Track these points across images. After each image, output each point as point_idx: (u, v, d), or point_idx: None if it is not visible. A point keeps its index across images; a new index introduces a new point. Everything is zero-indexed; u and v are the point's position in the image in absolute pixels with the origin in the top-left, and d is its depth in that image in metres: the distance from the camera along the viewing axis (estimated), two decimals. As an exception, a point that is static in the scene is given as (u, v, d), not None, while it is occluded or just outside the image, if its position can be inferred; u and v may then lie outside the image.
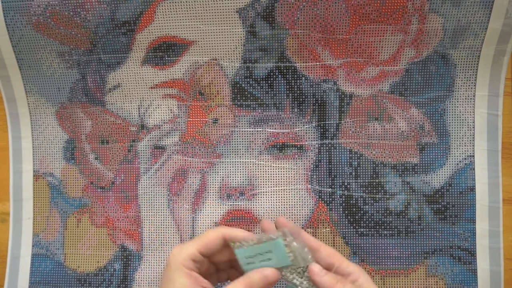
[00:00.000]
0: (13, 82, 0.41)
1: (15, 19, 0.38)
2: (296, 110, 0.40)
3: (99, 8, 0.38)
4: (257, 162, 0.40)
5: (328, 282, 0.29)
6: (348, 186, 0.40)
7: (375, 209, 0.39)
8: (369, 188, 0.39)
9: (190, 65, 0.40)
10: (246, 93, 0.40)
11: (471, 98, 0.39)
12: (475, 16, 0.36)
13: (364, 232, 0.39)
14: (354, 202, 0.40)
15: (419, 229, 0.39)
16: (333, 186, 0.39)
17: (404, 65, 0.38)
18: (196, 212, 0.41)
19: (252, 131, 0.40)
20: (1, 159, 0.43)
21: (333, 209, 0.40)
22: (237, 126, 0.40)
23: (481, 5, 0.36)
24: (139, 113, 0.41)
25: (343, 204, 0.40)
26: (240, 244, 0.30)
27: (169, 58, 0.40)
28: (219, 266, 0.33)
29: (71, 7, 0.38)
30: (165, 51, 0.39)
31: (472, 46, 0.37)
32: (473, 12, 0.36)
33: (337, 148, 0.40)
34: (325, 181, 0.40)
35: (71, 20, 0.38)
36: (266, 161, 0.40)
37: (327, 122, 0.39)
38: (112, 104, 0.41)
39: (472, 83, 0.38)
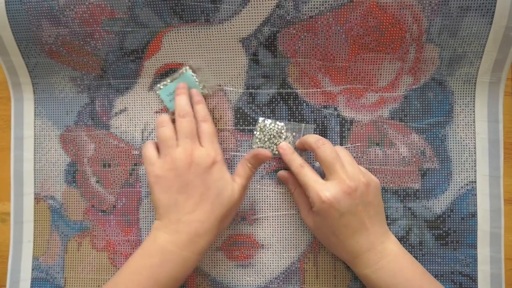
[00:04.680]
0: (25, 104, 0.45)
1: (28, 47, 0.43)
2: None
3: (108, 37, 0.42)
4: (259, 186, 0.43)
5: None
6: (350, 211, 0.42)
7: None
8: (371, 213, 0.42)
9: (195, 91, 0.43)
10: (249, 118, 0.43)
11: (471, 124, 0.42)
12: (470, 46, 0.40)
13: (367, 258, 0.42)
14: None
15: (421, 255, 0.41)
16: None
17: (403, 92, 0.42)
18: (197, 237, 0.43)
19: (254, 155, 0.43)
20: (1, 159, 0.45)
21: (335, 234, 0.42)
22: (239, 151, 0.44)
23: (476, 36, 0.39)
24: (142, 137, 0.44)
25: (345, 229, 0.42)
26: (159, 87, 0.43)
27: (174, 84, 0.43)
28: None
29: (81, 37, 0.42)
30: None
31: (468, 74, 0.41)
32: (468, 42, 0.40)
33: (339, 172, 0.42)
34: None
35: (82, 48, 0.42)
36: (268, 186, 0.43)
37: (328, 147, 0.42)
38: (116, 128, 0.44)
39: (470, 109, 0.42)
